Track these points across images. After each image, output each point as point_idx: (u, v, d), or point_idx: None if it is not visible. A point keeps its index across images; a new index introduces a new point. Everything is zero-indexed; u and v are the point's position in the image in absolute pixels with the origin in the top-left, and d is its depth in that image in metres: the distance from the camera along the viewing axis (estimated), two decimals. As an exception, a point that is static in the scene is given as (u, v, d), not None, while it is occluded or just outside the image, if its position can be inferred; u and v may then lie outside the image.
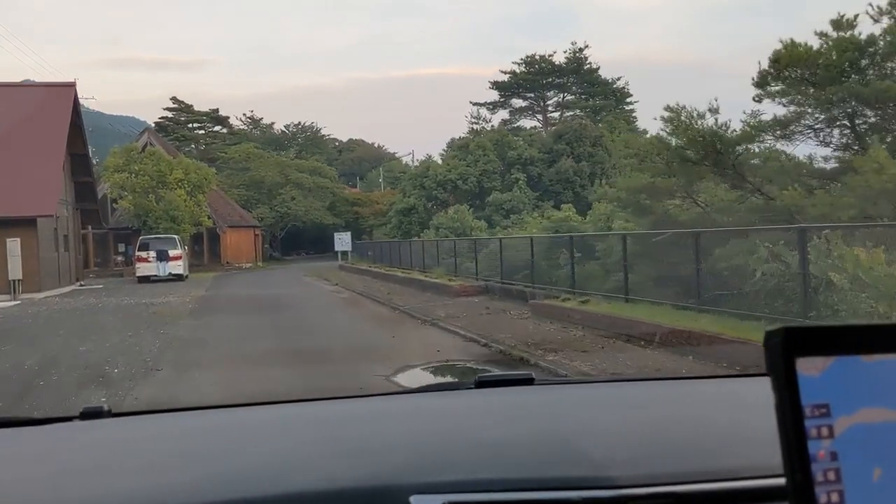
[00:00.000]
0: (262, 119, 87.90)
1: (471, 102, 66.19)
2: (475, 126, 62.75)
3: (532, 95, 64.48)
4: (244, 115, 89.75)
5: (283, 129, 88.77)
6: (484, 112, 68.84)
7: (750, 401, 1.52)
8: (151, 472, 1.27)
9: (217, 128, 74.83)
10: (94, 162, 49.22)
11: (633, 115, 63.32)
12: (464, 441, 1.36)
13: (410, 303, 18.41)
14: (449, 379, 7.14)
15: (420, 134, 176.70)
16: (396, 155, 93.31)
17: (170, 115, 71.33)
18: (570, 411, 1.59)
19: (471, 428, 1.46)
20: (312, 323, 15.88)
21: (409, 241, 32.71)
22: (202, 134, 73.90)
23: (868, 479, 0.71)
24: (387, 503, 1.07)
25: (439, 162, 41.94)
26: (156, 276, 34.08)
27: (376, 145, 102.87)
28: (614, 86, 62.34)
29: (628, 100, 63.06)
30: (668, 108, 12.28)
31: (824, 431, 0.71)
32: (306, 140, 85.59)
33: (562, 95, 63.17)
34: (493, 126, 62.34)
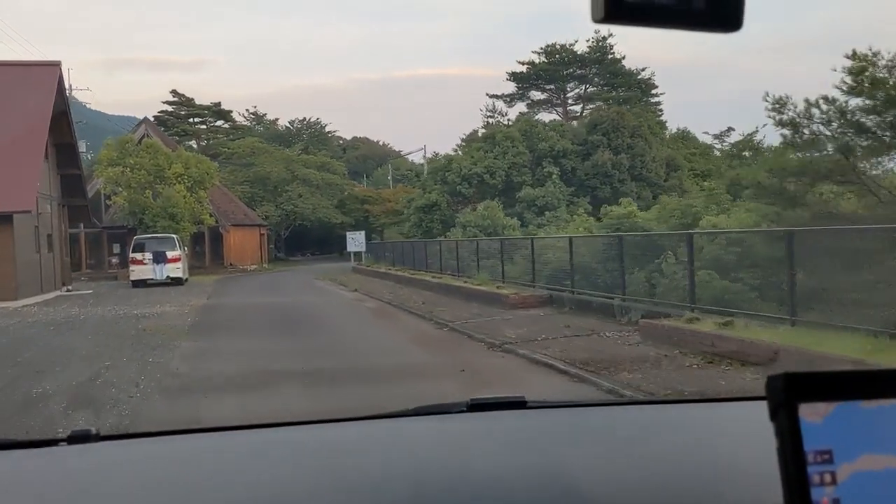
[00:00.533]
0: (265, 115, 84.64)
1: (487, 94, 62.69)
2: (490, 120, 59.44)
3: (552, 87, 60.99)
4: (247, 110, 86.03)
5: (288, 125, 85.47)
6: (500, 105, 65.52)
7: (759, 426, 1.25)
8: (137, 500, 1.25)
9: (219, 122, 71.38)
10: (89, 157, 45.90)
11: (660, 107, 60.04)
12: (455, 477, 1.31)
13: (460, 317, 14.95)
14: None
15: (424, 133, 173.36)
16: (402, 153, 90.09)
17: (169, 109, 67.82)
18: (563, 440, 1.55)
19: (462, 461, 1.40)
20: (344, 346, 12.42)
21: (437, 240, 29.24)
22: (203, 129, 70.36)
23: None
24: None
25: (459, 155, 38.33)
26: (152, 279, 30.71)
27: (381, 143, 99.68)
28: (638, 77, 58.83)
29: (654, 91, 59.68)
30: (854, 56, 8.87)
31: (827, 478, 0.71)
32: (311, 136, 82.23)
33: (584, 87, 59.53)
34: (509, 120, 59.01)
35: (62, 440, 1.52)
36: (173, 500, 1.23)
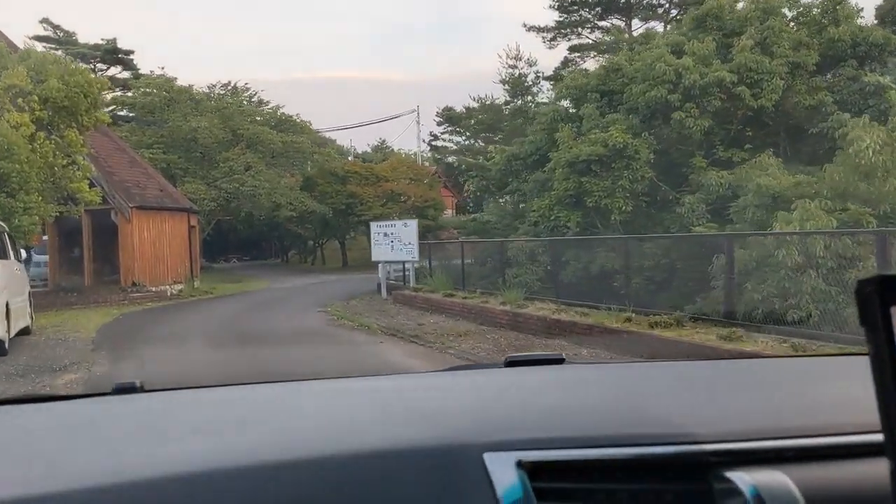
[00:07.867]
0: (176, 79, 61.94)
1: (524, 26, 43.21)
2: (513, 70, 40.25)
3: (608, 24, 42.31)
4: (151, 72, 62.43)
5: (207, 90, 62.50)
6: (531, 49, 46.28)
7: (814, 376, 1.48)
8: (204, 437, 1.22)
9: (115, 70, 49.62)
10: None
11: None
12: (527, 405, 1.31)
13: None
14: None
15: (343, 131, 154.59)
16: (337, 140, 70.16)
17: (42, 46, 45.62)
18: (602, 388, 1.52)
19: (527, 395, 1.41)
20: None
21: (790, 232, 9.90)
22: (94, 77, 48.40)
23: None
24: (458, 462, 1.01)
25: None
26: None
27: (313, 126, 78.56)
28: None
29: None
30: None
31: None
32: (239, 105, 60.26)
33: (661, 24, 40.73)
34: (537, 72, 40.09)
35: (108, 392, 1.56)
36: (237, 437, 1.21)
